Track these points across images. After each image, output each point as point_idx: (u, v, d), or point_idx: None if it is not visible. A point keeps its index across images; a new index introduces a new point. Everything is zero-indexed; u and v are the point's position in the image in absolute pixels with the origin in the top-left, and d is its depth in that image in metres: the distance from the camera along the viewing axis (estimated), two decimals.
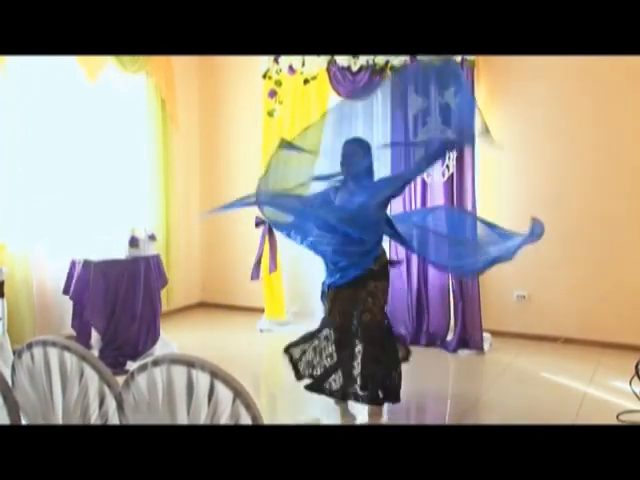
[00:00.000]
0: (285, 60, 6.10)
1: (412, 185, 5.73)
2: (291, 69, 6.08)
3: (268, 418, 2.96)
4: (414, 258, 5.73)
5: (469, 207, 5.54)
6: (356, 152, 3.99)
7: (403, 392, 4.04)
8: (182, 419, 1.67)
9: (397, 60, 5.67)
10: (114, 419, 1.83)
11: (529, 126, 5.70)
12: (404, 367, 4.00)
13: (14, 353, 2.06)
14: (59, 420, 1.95)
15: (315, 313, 5.65)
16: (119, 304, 5.06)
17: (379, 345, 3.93)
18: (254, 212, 4.17)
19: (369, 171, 3.96)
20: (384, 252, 4.05)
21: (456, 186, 5.58)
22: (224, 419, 1.60)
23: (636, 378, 2.36)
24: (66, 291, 5.12)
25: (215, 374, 1.60)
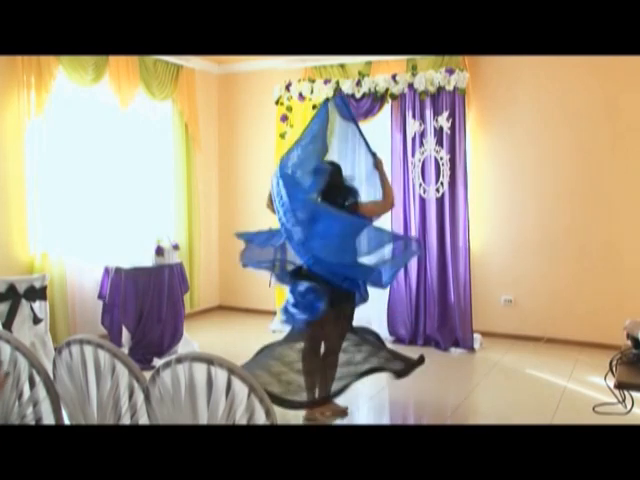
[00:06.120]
0: (295, 88, 6.14)
1: (410, 200, 5.74)
2: (301, 96, 6.11)
3: (279, 411, 2.96)
4: (414, 268, 5.72)
5: (461, 220, 5.53)
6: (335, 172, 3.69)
7: (403, 386, 4.01)
8: (202, 411, 1.69)
9: (396, 88, 5.69)
10: (142, 410, 1.84)
11: (514, 146, 5.70)
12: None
13: (55, 350, 2.08)
14: (94, 410, 1.97)
15: None
16: (146, 307, 5.07)
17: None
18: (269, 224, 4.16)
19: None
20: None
21: (449, 201, 5.57)
22: (240, 412, 1.61)
23: (610, 374, 2.36)
24: (101, 296, 5.14)
25: (232, 371, 1.61)
